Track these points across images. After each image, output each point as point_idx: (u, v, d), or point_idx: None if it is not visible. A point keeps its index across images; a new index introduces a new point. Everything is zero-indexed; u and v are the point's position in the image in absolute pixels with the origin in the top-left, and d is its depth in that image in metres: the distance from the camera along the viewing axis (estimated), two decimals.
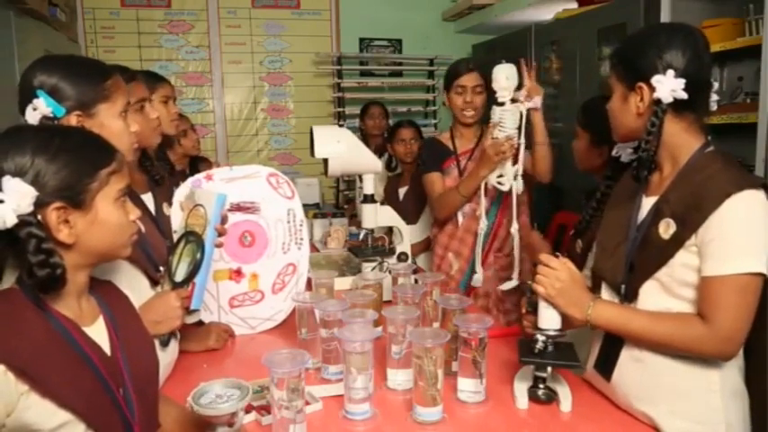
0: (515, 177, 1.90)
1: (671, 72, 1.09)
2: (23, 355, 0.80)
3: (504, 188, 1.92)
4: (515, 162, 1.90)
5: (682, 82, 1.09)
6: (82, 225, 0.87)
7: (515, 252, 1.95)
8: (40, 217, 0.83)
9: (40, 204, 0.82)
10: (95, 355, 0.88)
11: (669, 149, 1.16)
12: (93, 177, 0.87)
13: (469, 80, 2.11)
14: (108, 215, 0.90)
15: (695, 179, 1.10)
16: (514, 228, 1.94)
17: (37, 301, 0.84)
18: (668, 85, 1.09)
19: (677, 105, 1.11)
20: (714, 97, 1.17)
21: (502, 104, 1.86)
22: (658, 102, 1.11)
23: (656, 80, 1.10)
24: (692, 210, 1.08)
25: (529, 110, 1.88)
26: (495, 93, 1.87)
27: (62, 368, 0.83)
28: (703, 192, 1.07)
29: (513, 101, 1.87)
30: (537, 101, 1.89)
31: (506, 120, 1.86)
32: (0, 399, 0.77)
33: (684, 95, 1.09)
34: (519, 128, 1.87)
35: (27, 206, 0.81)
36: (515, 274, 1.95)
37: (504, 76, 1.85)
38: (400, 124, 3.02)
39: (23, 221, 0.81)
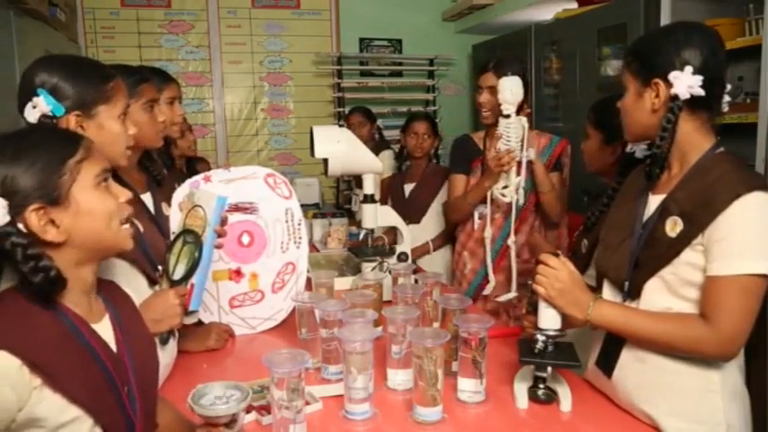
0: (517, 190, 1.90)
1: (689, 68, 1.09)
2: (37, 349, 0.80)
3: (507, 199, 1.93)
4: (519, 174, 1.91)
5: (699, 79, 1.09)
6: (68, 220, 0.85)
7: (512, 264, 1.95)
8: (21, 224, 0.81)
9: (15, 211, 0.81)
10: (103, 352, 0.88)
11: (680, 148, 1.15)
12: (60, 171, 0.85)
13: (485, 80, 2.09)
14: (91, 204, 0.87)
15: (705, 179, 1.10)
16: (511, 240, 1.94)
17: (42, 302, 0.84)
18: (685, 82, 1.09)
19: (692, 103, 1.11)
20: (726, 98, 1.17)
21: (507, 117, 1.86)
22: (674, 98, 1.11)
23: (674, 76, 1.10)
24: (700, 209, 1.08)
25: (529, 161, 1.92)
26: (500, 105, 1.87)
27: (73, 364, 0.83)
28: (713, 191, 1.07)
29: (518, 113, 1.86)
30: (531, 152, 1.92)
31: (510, 133, 1.86)
32: (14, 392, 0.77)
33: (701, 92, 1.09)
34: (522, 141, 1.87)
35: (2, 217, 0.79)
36: (513, 286, 1.96)
37: (509, 89, 1.84)
38: (415, 117, 2.92)
39: (3, 233, 0.79)
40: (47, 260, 0.82)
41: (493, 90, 2.04)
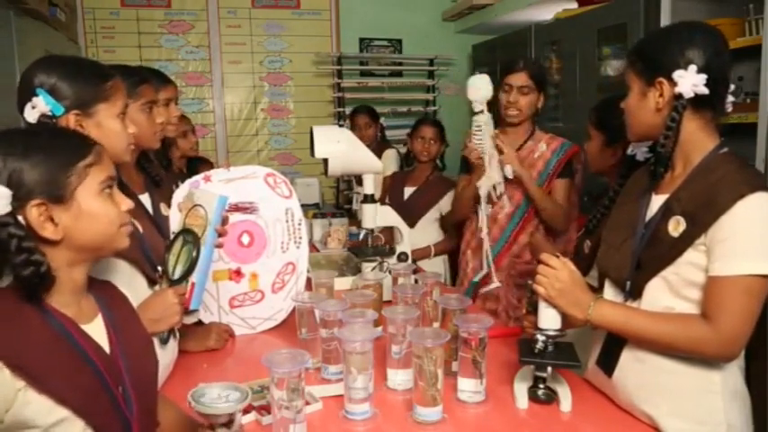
0: (495, 185, 1.97)
1: (692, 67, 1.09)
2: (21, 351, 0.80)
3: (481, 192, 1.97)
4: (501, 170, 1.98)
5: (703, 77, 1.09)
6: (67, 220, 0.86)
7: (489, 256, 1.99)
8: (21, 217, 0.83)
9: (18, 204, 0.82)
10: (94, 353, 0.88)
11: (684, 148, 1.15)
12: (69, 171, 0.86)
13: (517, 79, 2.06)
14: (92, 208, 0.89)
15: (708, 179, 1.10)
16: (484, 233, 1.99)
17: (32, 299, 0.84)
18: (690, 80, 1.09)
19: (696, 102, 1.11)
20: (730, 98, 1.16)
21: (479, 113, 1.91)
22: (679, 97, 1.11)
23: (678, 75, 1.10)
24: (703, 209, 1.08)
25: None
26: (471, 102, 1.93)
27: (60, 365, 0.84)
28: (716, 191, 1.07)
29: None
30: (508, 170, 1.98)
31: (481, 129, 1.93)
32: None
33: (705, 90, 1.09)
34: (493, 137, 1.95)
35: (4, 207, 0.81)
36: (493, 277, 1.99)
37: (476, 87, 1.89)
38: (423, 121, 2.92)
39: (2, 222, 0.81)
40: (39, 255, 0.83)
41: (522, 89, 2.04)
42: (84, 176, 0.88)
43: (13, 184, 0.82)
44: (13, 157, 0.83)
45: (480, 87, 1.89)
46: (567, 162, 2.10)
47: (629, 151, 1.42)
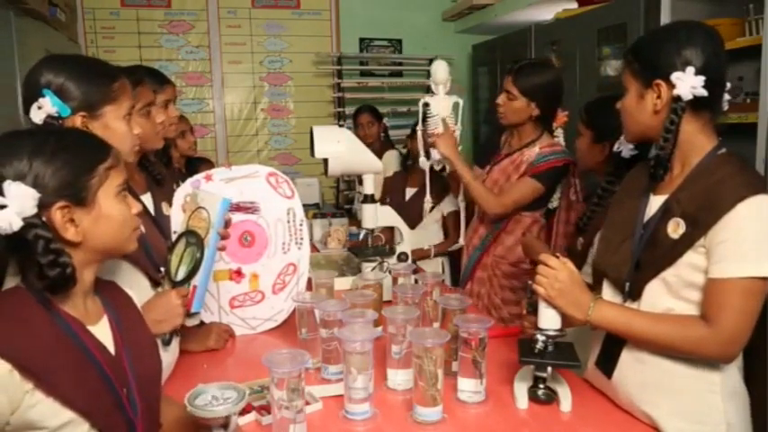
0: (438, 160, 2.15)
1: (691, 69, 1.09)
2: (29, 353, 0.80)
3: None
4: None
5: (702, 79, 1.08)
6: (87, 222, 0.88)
7: (461, 223, 2.20)
8: (44, 218, 0.84)
9: (43, 205, 0.83)
10: (100, 355, 0.88)
11: (682, 149, 1.15)
12: (91, 174, 0.88)
13: (505, 82, 2.07)
14: (111, 210, 0.91)
15: (708, 180, 1.10)
16: (459, 199, 2.22)
17: (44, 301, 0.85)
18: (688, 82, 1.08)
19: (695, 104, 1.11)
20: (726, 97, 1.16)
21: (433, 95, 2.09)
22: (677, 99, 1.11)
23: (676, 77, 1.10)
24: (703, 211, 1.07)
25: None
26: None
27: (67, 367, 0.84)
28: (716, 193, 1.07)
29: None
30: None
31: (432, 109, 2.08)
32: (4, 395, 0.78)
33: (704, 93, 1.08)
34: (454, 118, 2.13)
35: (31, 208, 0.81)
36: (461, 239, 2.21)
37: (434, 72, 2.09)
38: None
39: (29, 224, 0.81)
40: (66, 257, 0.84)
41: (509, 94, 2.04)
42: (104, 179, 0.90)
43: (38, 186, 0.83)
44: (39, 159, 0.84)
45: (435, 73, 2.07)
46: (549, 169, 2.00)
47: (615, 148, 1.42)
